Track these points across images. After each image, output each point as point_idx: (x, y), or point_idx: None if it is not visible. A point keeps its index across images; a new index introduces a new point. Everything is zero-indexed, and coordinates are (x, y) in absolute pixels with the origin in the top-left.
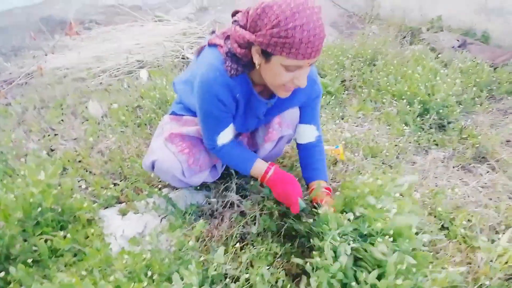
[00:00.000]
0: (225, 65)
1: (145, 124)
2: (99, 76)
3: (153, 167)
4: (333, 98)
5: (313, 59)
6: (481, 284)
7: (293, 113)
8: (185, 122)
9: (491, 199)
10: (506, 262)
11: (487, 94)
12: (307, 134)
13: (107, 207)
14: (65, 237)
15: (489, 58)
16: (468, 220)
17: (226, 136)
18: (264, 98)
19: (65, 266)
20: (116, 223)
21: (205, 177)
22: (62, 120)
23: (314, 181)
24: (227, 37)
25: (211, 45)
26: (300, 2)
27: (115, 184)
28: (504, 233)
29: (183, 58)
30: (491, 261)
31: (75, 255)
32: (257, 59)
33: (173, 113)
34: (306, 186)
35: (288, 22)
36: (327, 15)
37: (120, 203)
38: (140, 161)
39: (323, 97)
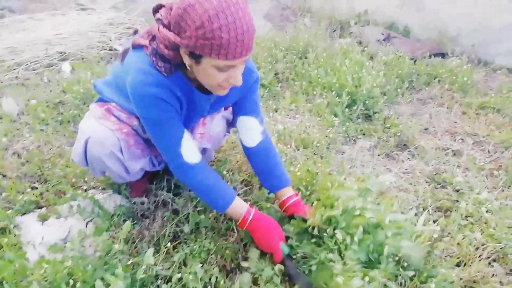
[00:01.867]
0: (157, 66)
1: (68, 122)
2: (14, 69)
3: (85, 155)
4: (267, 91)
5: (245, 57)
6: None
7: (218, 127)
8: (116, 107)
9: (411, 183)
10: (423, 242)
11: (408, 85)
12: (252, 130)
13: (24, 213)
14: None
15: (410, 51)
16: (392, 204)
17: (190, 150)
18: (205, 94)
19: None
20: (35, 230)
21: (145, 163)
22: None
23: (279, 190)
24: (153, 37)
25: (136, 46)
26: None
27: (33, 188)
28: (421, 215)
29: (111, 50)
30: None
31: None
32: (187, 60)
33: (100, 100)
34: (268, 192)
35: (212, 22)
36: (261, 7)
37: (40, 208)
38: (63, 161)
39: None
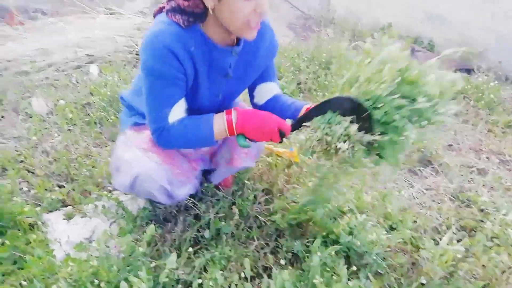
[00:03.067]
0: (174, 19)
1: (95, 123)
2: (45, 70)
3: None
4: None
5: None
6: (422, 283)
7: (260, 145)
8: None
9: (434, 200)
10: (446, 262)
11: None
12: (270, 90)
13: (51, 211)
14: (3, 243)
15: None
16: (414, 221)
17: (178, 111)
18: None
19: (3, 275)
20: (61, 228)
21: (191, 188)
22: (2, 116)
23: (300, 110)
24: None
25: (156, 14)
26: None
27: (60, 187)
28: (445, 234)
29: (137, 54)
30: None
31: (15, 262)
32: (209, 2)
33: (136, 124)
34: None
35: None
36: (284, 17)
37: (66, 206)
38: (89, 161)
39: None
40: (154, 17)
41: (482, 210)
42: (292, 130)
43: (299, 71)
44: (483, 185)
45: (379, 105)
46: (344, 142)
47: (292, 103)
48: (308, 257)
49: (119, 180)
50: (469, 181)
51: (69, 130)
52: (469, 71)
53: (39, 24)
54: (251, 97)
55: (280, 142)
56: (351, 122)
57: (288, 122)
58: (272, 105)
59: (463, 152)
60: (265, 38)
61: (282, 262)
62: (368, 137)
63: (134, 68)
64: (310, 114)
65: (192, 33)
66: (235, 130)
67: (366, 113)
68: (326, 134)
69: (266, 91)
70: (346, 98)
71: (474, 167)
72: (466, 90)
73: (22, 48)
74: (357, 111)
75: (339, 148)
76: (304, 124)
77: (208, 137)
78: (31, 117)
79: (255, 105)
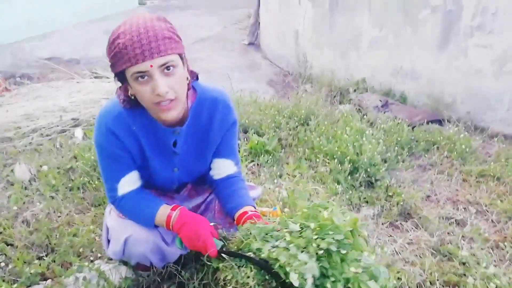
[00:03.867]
0: (118, 98)
1: (78, 188)
2: (29, 136)
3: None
4: (271, 157)
5: (150, 59)
6: None
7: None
8: None
9: (416, 255)
10: None
11: (408, 152)
12: (225, 168)
13: (29, 286)
14: None
15: (407, 117)
16: (398, 278)
17: (128, 184)
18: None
19: None
20: None
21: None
22: None
23: (241, 208)
24: None
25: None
26: (130, 17)
27: (40, 258)
28: None
29: None
30: None
31: None
32: (130, 89)
33: None
34: (233, 219)
35: (113, 37)
36: (264, 74)
37: (46, 280)
38: (71, 229)
39: (262, 155)
40: None
41: (464, 263)
42: (219, 254)
43: (279, 128)
44: (463, 236)
45: None
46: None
47: (241, 196)
48: None
49: (111, 249)
50: (448, 233)
51: (51, 197)
52: (440, 121)
53: (25, 90)
54: (209, 168)
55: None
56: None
57: (218, 245)
58: (224, 187)
59: (441, 203)
60: (216, 114)
61: None
62: None
63: None
64: (239, 255)
65: (135, 113)
66: (171, 228)
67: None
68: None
69: (220, 167)
70: (267, 266)
71: (453, 218)
72: (439, 141)
73: (7, 114)
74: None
75: None
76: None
77: (148, 221)
78: (12, 185)
79: (210, 178)
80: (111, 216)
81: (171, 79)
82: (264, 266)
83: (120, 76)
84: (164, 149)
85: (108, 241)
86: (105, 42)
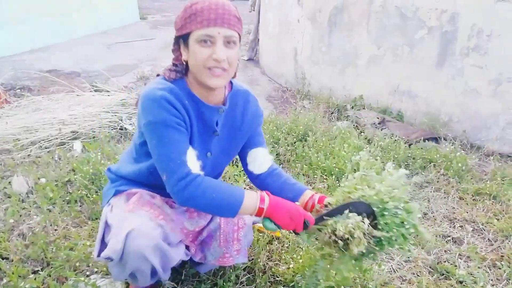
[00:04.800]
0: (166, 76)
1: (75, 201)
2: (27, 148)
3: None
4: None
5: (220, 27)
6: None
7: (249, 239)
8: (139, 192)
9: (413, 273)
10: None
11: (405, 169)
12: (263, 159)
13: None
14: None
15: (404, 135)
16: None
17: (194, 161)
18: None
19: None
20: None
21: (183, 251)
22: None
23: (303, 193)
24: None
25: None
26: None
27: (35, 272)
28: None
29: (121, 129)
30: None
31: None
32: (184, 54)
33: (117, 192)
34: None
35: (190, 2)
36: (263, 89)
37: None
38: (67, 243)
39: None
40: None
41: (461, 282)
42: (315, 224)
43: (278, 144)
44: (460, 254)
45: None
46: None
47: (294, 184)
48: None
49: (110, 248)
50: (445, 251)
51: (49, 210)
52: (436, 139)
53: (25, 102)
54: (245, 164)
55: (304, 229)
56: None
57: (312, 216)
58: (272, 180)
59: (437, 221)
60: (251, 103)
61: None
62: (377, 232)
63: (118, 142)
64: (332, 213)
65: (181, 89)
66: (264, 213)
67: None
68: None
69: (259, 158)
70: (364, 204)
71: (450, 236)
72: (435, 159)
73: (6, 126)
74: (369, 215)
75: (347, 238)
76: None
77: (234, 206)
78: (9, 197)
79: (251, 173)
80: (113, 213)
81: (229, 52)
82: (367, 206)
83: (183, 38)
84: (207, 127)
85: (102, 244)
86: (106, 57)
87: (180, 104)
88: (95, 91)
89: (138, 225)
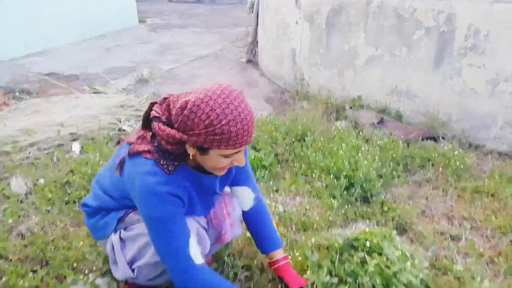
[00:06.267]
0: (160, 164)
1: (74, 202)
2: (26, 150)
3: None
4: (267, 171)
5: (249, 142)
6: None
7: (238, 211)
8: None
9: None
10: None
11: (403, 168)
12: (245, 198)
13: None
14: None
15: (403, 134)
16: None
17: (196, 250)
18: (210, 174)
19: None
20: None
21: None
22: None
23: (270, 252)
24: (152, 137)
25: (133, 154)
26: (225, 94)
27: (34, 272)
28: None
29: (120, 131)
30: None
31: None
32: (191, 151)
33: (120, 220)
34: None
35: (221, 120)
36: (262, 91)
37: None
38: (66, 243)
39: (258, 170)
40: (130, 155)
41: (459, 279)
42: None
43: (276, 144)
44: (458, 251)
45: None
46: None
47: (268, 239)
48: None
49: (123, 262)
50: (443, 248)
51: (47, 210)
52: (435, 139)
53: (24, 105)
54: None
55: None
56: None
57: None
58: (251, 224)
59: (436, 219)
60: None
61: None
62: None
63: (118, 144)
64: None
65: (180, 172)
66: None
67: None
68: None
69: (241, 196)
70: None
71: (448, 233)
72: (434, 158)
73: (5, 129)
74: None
75: None
76: None
77: None
78: (8, 198)
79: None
80: (116, 235)
81: None
82: None
83: (202, 148)
84: (208, 192)
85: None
86: (104, 60)
87: (182, 190)
88: (94, 93)
89: None
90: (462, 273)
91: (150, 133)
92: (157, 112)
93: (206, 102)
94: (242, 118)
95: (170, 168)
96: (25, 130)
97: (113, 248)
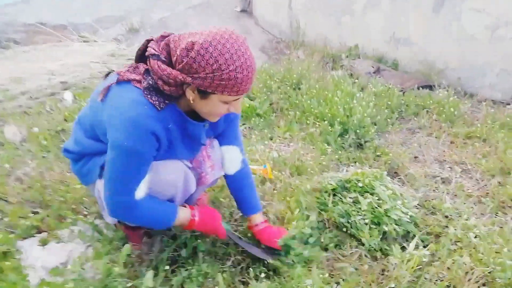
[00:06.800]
0: (150, 100)
1: None
2: (18, 98)
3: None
4: (262, 120)
5: (249, 90)
6: (390, 287)
7: (218, 153)
8: None
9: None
10: (413, 267)
11: (398, 116)
12: (233, 159)
13: (25, 238)
14: None
15: (399, 83)
16: (384, 232)
17: (143, 187)
18: (198, 122)
19: None
20: (35, 254)
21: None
22: None
23: (250, 215)
24: (145, 72)
25: (122, 81)
26: (233, 39)
27: (34, 213)
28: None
29: None
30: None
31: None
32: (190, 95)
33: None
34: (244, 216)
35: (229, 65)
36: (257, 40)
37: (40, 233)
38: (64, 187)
39: (253, 118)
40: (118, 82)
41: (447, 217)
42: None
43: (271, 92)
44: (447, 193)
45: None
46: None
47: (247, 202)
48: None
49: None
50: (434, 190)
51: (43, 157)
52: (431, 87)
53: (11, 53)
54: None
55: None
56: None
57: (227, 227)
58: (233, 186)
59: (428, 163)
60: None
61: (262, 275)
62: None
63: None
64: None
65: (168, 111)
66: (193, 228)
67: None
68: None
69: (230, 157)
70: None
71: (439, 176)
72: (429, 105)
73: None
74: None
75: None
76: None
77: (168, 221)
78: (3, 145)
79: (225, 175)
80: (101, 181)
81: None
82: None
83: (200, 89)
84: (194, 141)
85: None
86: (93, 9)
87: (163, 131)
88: (84, 42)
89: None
90: (450, 211)
91: (144, 68)
92: (154, 49)
93: (215, 46)
94: (248, 65)
95: (161, 106)
96: (15, 79)
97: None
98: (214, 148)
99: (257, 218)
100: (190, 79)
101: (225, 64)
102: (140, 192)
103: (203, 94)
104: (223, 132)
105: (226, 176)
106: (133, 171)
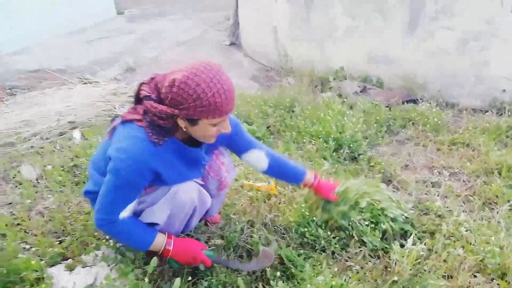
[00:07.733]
0: (151, 138)
1: (84, 182)
2: (30, 139)
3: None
4: (261, 142)
5: (232, 110)
6: (394, 280)
7: (228, 158)
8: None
9: None
10: (412, 261)
11: (386, 129)
12: (259, 159)
13: (53, 265)
14: None
15: (385, 99)
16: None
17: (128, 209)
18: (196, 147)
19: None
20: (65, 279)
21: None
22: None
23: (303, 181)
24: (144, 111)
25: (126, 121)
26: (207, 69)
27: (60, 242)
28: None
29: (117, 116)
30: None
31: None
32: (182, 124)
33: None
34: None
35: (206, 93)
36: (247, 70)
37: (66, 259)
38: (83, 217)
39: None
40: (123, 122)
41: (439, 215)
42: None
43: (267, 116)
44: (438, 195)
45: None
46: None
47: (293, 172)
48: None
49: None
50: (425, 193)
51: (60, 191)
52: (414, 101)
53: (19, 99)
54: (250, 166)
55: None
56: None
57: (209, 254)
58: (273, 173)
59: (418, 170)
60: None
61: (277, 274)
62: None
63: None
64: (225, 263)
65: (167, 144)
66: (169, 256)
67: None
68: None
69: (255, 160)
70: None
71: (429, 181)
72: (414, 117)
73: (6, 121)
74: None
75: None
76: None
77: (144, 245)
78: (21, 184)
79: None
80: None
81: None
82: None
83: (192, 120)
84: (195, 163)
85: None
86: (88, 53)
87: (163, 164)
88: (86, 83)
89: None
90: (442, 210)
91: (142, 109)
92: (146, 91)
93: (192, 79)
94: (225, 89)
95: (160, 142)
96: (26, 122)
97: None
98: (224, 155)
99: (309, 179)
100: (177, 111)
101: (203, 92)
102: (125, 213)
103: (192, 121)
104: (235, 144)
105: (265, 172)
106: (124, 197)
